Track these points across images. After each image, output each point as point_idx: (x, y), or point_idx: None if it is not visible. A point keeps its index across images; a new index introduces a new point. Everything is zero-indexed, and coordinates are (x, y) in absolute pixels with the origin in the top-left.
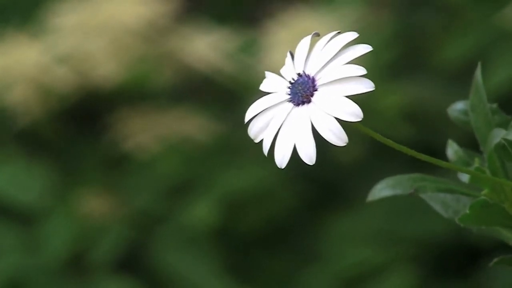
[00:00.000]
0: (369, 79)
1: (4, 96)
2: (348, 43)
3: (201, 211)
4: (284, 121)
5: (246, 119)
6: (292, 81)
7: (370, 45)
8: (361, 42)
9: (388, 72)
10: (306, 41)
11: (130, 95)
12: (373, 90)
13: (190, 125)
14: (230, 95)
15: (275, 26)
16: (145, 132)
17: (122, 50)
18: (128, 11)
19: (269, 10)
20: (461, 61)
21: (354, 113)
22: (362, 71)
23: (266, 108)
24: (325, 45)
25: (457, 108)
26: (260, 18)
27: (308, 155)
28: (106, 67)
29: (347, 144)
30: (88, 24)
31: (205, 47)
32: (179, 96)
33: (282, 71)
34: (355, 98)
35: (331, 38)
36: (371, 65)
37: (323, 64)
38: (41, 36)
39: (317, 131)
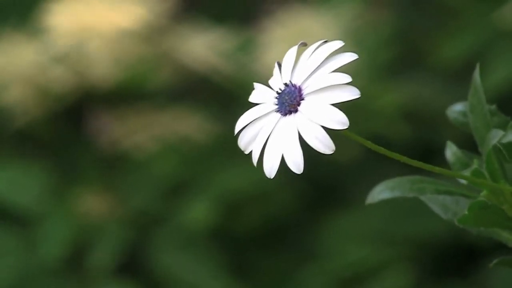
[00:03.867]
0: (365, 79)
1: (1, 96)
2: (335, 51)
3: (199, 212)
4: (272, 131)
5: (236, 131)
6: (279, 91)
7: (366, 45)
8: (358, 42)
9: (387, 71)
10: (292, 51)
11: (127, 95)
12: (366, 91)
13: (188, 125)
14: (228, 95)
15: (272, 25)
16: (142, 132)
17: (119, 50)
18: (125, 11)
19: (266, 9)
20: (459, 61)
21: (340, 121)
22: (348, 79)
23: (255, 119)
24: (312, 54)
25: (456, 109)
26: (258, 17)
27: (296, 164)
28: (103, 67)
29: (345, 142)
30: (84, 24)
31: (202, 46)
32: (176, 95)
33: (270, 81)
34: (346, 102)
35: (317, 47)
36: (370, 65)
37: (309, 73)
38: (38, 36)
39: (304, 140)
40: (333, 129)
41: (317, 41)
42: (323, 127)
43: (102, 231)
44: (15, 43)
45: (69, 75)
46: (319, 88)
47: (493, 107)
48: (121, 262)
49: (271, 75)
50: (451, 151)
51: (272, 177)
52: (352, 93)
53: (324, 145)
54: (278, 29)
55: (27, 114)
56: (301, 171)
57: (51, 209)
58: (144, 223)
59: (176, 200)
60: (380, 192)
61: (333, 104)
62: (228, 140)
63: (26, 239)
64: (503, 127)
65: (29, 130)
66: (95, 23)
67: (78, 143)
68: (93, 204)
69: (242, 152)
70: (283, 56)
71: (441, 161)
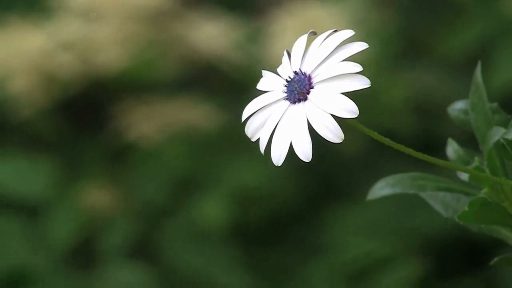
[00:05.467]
0: (372, 71)
1: (8, 84)
2: (345, 40)
3: (210, 209)
4: (280, 119)
5: (243, 118)
6: (289, 79)
7: (374, 37)
8: (366, 34)
9: (392, 65)
10: (302, 39)
11: (134, 84)
12: (372, 84)
13: (195, 115)
14: (236, 84)
15: (281, 15)
16: (149, 122)
17: (128, 36)
18: None
19: (277, 0)
20: (465, 53)
21: (350, 109)
22: (358, 68)
23: (263, 107)
24: (322, 43)
25: (457, 107)
26: (267, 7)
27: (305, 152)
28: (111, 53)
29: (351, 136)
30: (93, 10)
31: (212, 34)
32: (184, 85)
33: (279, 69)
34: (355, 92)
35: (327, 36)
36: (376, 57)
37: (319, 62)
38: (45, 22)
39: (313, 128)
40: (343, 118)
41: (325, 31)
42: (332, 115)
43: (110, 224)
44: (22, 30)
45: (76, 62)
46: (329, 76)
47: (495, 105)
48: (129, 255)
49: (279, 65)
50: (452, 149)
51: (280, 165)
52: (362, 83)
53: (333, 134)
54: (287, 20)
55: (33, 103)
56: (310, 159)
57: (58, 200)
58: (153, 217)
59: (185, 193)
60: (381, 189)
61: (343, 93)
62: (236, 131)
63: (32, 230)
64: (504, 125)
65: (35, 120)
66: (104, 8)
67: (85, 133)
68: (100, 195)
69: (249, 143)
70: (291, 46)
71: (443, 158)
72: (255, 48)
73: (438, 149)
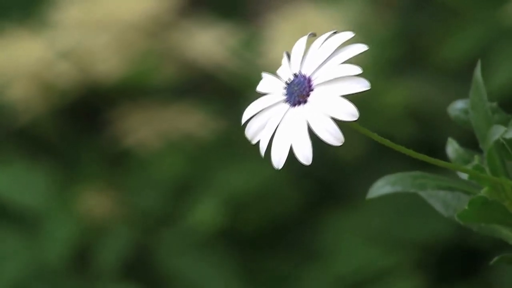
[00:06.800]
0: (370, 76)
1: (6, 92)
2: (345, 42)
3: (205, 213)
4: (280, 121)
5: (243, 121)
6: (288, 82)
7: (371, 42)
8: (364, 38)
9: (391, 69)
10: (302, 41)
11: (132, 90)
12: (370, 89)
13: (192, 121)
14: (233, 91)
15: (278, 20)
16: (146, 128)
17: (125, 46)
18: (131, 6)
19: (272, 4)
20: (463, 59)
21: (350, 112)
22: (358, 70)
23: (263, 109)
24: (321, 44)
25: (457, 107)
26: (263, 12)
27: (305, 155)
28: (108, 62)
29: (350, 141)
30: (90, 19)
31: (208, 42)
32: (181, 91)
33: (278, 71)
34: (353, 96)
35: (327, 38)
36: (374, 62)
37: (319, 64)
38: (43, 31)
39: (313, 131)
40: (343, 121)
41: (324, 34)
42: (332, 118)
43: (107, 231)
44: (19, 38)
45: (74, 70)
46: (329, 79)
47: (494, 104)
48: (126, 263)
49: (275, 70)
50: (452, 148)
51: (280, 168)
52: (362, 85)
53: (333, 136)
54: (284, 25)
55: (31, 110)
56: (310, 162)
57: (55, 208)
58: (150, 224)
59: (181, 199)
60: (381, 187)
61: (343, 96)
62: (233, 138)
63: (29, 239)
64: (504, 124)
65: (33, 127)
66: (101, 17)
67: (82, 139)
68: (97, 202)
69: (247, 148)
70: (288, 50)
71: (443, 159)
72: (251, 54)
73: (436, 155)
